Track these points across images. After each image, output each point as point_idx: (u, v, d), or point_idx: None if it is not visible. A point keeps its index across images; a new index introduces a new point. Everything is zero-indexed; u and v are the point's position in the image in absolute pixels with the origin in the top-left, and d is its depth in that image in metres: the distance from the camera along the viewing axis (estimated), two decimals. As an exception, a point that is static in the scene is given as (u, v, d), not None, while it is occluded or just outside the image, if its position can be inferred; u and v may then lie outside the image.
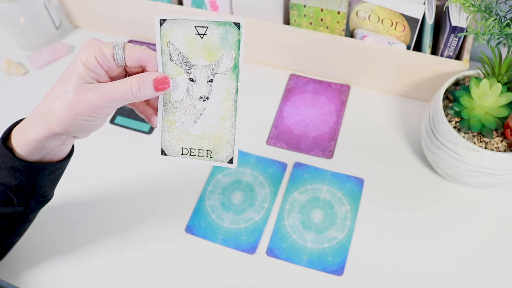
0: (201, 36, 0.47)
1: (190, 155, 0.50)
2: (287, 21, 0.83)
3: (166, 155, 0.50)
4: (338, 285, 0.64)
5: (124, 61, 0.47)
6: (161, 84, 0.47)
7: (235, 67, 0.47)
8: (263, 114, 0.81)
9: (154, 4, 0.84)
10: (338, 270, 0.65)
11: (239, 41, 0.47)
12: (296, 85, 0.85)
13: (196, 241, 0.68)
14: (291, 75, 0.86)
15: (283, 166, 0.75)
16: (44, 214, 0.69)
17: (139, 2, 0.85)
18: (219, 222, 0.69)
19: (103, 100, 0.47)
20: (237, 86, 0.48)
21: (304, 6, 0.77)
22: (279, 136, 0.78)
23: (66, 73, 0.48)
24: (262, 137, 0.78)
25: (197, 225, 0.69)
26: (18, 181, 0.52)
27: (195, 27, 0.47)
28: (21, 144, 0.50)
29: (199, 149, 0.50)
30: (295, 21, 0.80)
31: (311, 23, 0.79)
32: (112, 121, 0.81)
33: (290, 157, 0.76)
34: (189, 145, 0.50)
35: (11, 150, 0.51)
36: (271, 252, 0.67)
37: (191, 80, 0.48)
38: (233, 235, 0.68)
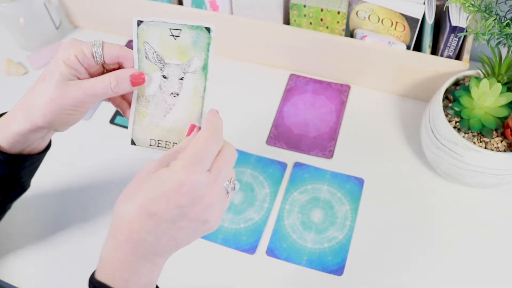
0: (175, 37, 0.51)
1: (158, 146, 0.53)
2: (287, 21, 0.83)
3: (135, 145, 0.53)
4: (338, 285, 0.64)
5: (103, 59, 0.50)
6: (137, 79, 0.51)
7: (204, 67, 0.51)
8: (263, 114, 0.81)
9: (154, 4, 0.84)
10: (338, 270, 0.65)
11: (209, 44, 0.50)
12: (296, 85, 0.85)
13: (196, 241, 0.68)
14: (291, 75, 0.86)
15: (283, 166, 0.75)
16: (43, 214, 0.69)
17: (139, 2, 0.85)
18: (219, 222, 0.69)
19: (85, 96, 0.50)
20: (205, 84, 0.51)
21: (304, 6, 0.77)
22: (279, 136, 0.78)
23: (47, 71, 0.51)
24: (262, 137, 0.78)
25: (197, 225, 0.69)
26: (0, 172, 0.55)
27: (170, 29, 0.50)
28: (3, 138, 0.53)
29: (166, 141, 0.53)
30: (295, 21, 0.80)
31: (311, 23, 0.79)
32: (112, 121, 0.81)
33: (290, 157, 0.76)
34: (157, 137, 0.53)
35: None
36: (271, 252, 0.67)
37: (164, 77, 0.52)
38: (233, 235, 0.68)
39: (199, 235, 0.48)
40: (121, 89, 0.50)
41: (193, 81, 0.51)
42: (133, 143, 0.53)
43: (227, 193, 0.47)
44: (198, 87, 0.51)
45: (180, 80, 0.51)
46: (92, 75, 0.52)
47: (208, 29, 0.49)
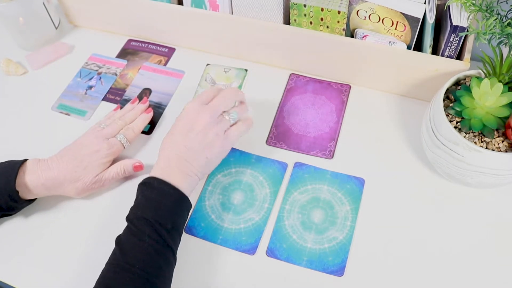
0: (226, 72, 0.85)
1: None
2: (287, 21, 0.82)
3: None
4: (339, 286, 0.64)
5: (129, 143, 0.74)
6: (138, 168, 0.73)
7: (240, 86, 0.82)
8: (263, 114, 0.81)
9: (154, 4, 0.84)
10: (338, 270, 0.65)
11: (245, 76, 0.84)
12: (296, 85, 0.84)
13: (196, 241, 0.68)
14: (291, 75, 0.86)
15: (283, 166, 0.74)
16: (41, 216, 0.69)
17: (139, 2, 0.85)
18: (219, 222, 0.69)
19: (109, 182, 0.71)
20: None
21: (304, 5, 0.76)
22: (279, 136, 0.78)
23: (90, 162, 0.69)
24: (262, 137, 0.78)
25: (197, 225, 0.69)
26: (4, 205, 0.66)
27: (224, 68, 0.86)
28: (41, 178, 0.66)
29: None
30: (295, 20, 0.80)
31: (311, 23, 0.79)
32: (111, 121, 0.81)
33: (290, 157, 0.75)
34: None
35: (17, 192, 0.65)
36: (271, 252, 0.67)
37: None
38: (233, 236, 0.68)
39: (210, 150, 0.66)
40: (128, 173, 0.72)
41: None
42: None
43: (230, 124, 0.69)
44: None
45: None
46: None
47: (246, 70, 0.85)
